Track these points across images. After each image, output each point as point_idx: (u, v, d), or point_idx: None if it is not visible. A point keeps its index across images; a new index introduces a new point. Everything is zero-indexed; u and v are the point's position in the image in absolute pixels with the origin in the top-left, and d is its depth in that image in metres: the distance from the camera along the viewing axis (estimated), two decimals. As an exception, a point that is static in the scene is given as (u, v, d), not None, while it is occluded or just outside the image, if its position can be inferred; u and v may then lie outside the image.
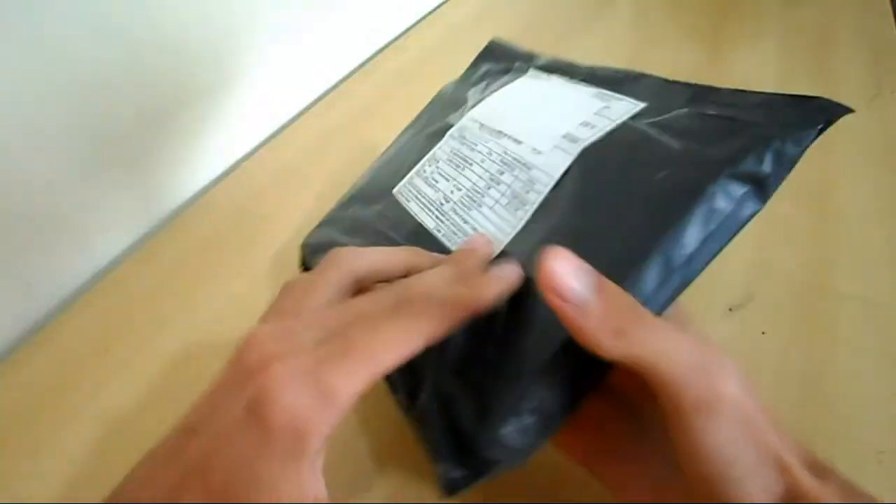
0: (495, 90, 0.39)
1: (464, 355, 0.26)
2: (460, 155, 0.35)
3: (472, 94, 0.40)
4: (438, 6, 0.79)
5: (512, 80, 0.39)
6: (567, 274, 0.21)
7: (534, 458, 0.31)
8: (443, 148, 0.36)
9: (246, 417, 0.19)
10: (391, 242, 0.33)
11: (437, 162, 0.36)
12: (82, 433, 0.35)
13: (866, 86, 0.61)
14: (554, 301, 0.21)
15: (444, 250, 0.31)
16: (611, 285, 0.22)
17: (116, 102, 0.42)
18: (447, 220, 0.32)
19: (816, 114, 0.25)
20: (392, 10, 0.73)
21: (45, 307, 0.42)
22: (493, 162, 0.33)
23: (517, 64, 0.41)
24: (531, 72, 0.39)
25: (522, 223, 0.29)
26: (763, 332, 0.37)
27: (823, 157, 0.52)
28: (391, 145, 0.43)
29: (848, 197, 0.48)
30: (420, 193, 0.35)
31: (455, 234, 0.31)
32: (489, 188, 0.32)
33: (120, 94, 0.42)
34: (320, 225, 0.40)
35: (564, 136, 0.31)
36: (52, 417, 0.36)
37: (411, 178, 0.36)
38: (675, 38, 0.72)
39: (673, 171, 0.26)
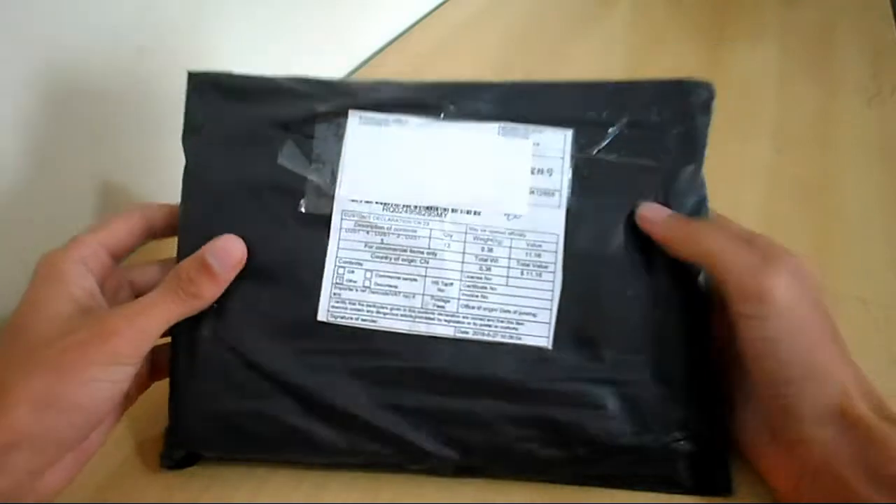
0: (332, 152, 0.31)
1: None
2: (397, 248, 0.30)
3: (291, 161, 0.31)
4: (438, 6, 0.79)
5: (339, 133, 0.31)
6: (652, 209, 0.30)
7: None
8: (346, 247, 0.30)
9: None
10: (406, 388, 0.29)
11: (360, 265, 0.30)
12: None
13: (866, 86, 0.61)
14: (647, 226, 0.30)
15: (481, 349, 0.30)
16: (681, 217, 0.30)
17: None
18: (467, 319, 0.30)
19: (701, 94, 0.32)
20: (392, 9, 0.73)
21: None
22: (465, 242, 0.30)
23: (318, 108, 0.32)
24: (358, 117, 0.32)
25: (559, 284, 0.30)
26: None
27: (823, 157, 0.52)
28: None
29: (848, 197, 0.48)
30: (374, 306, 0.30)
31: (488, 325, 0.30)
32: (487, 269, 0.30)
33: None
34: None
35: (532, 192, 0.31)
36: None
37: (334, 294, 0.30)
38: (675, 38, 0.72)
39: (668, 179, 0.31)
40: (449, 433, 0.29)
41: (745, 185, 0.49)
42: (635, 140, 0.31)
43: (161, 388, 0.31)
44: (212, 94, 0.33)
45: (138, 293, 0.31)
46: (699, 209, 0.31)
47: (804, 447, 0.26)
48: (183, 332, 0.30)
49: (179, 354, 0.30)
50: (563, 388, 0.29)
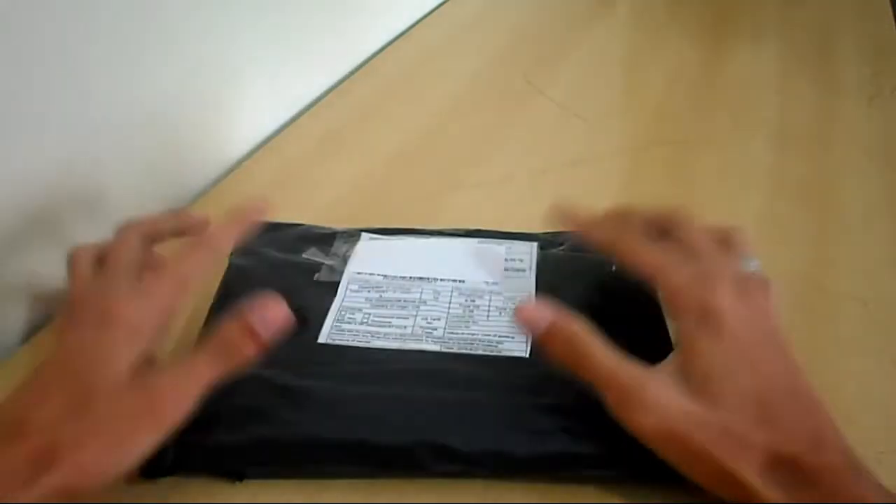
0: (346, 251, 0.41)
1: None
2: (393, 300, 0.37)
3: (312, 257, 0.41)
4: (439, 6, 0.79)
5: (352, 242, 0.41)
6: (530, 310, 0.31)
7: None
8: (350, 298, 0.37)
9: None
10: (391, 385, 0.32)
11: (360, 310, 0.37)
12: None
13: (866, 86, 0.61)
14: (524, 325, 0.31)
15: (465, 358, 0.34)
16: (562, 321, 0.30)
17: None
18: (453, 340, 0.35)
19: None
20: (392, 9, 0.73)
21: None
22: (452, 296, 0.38)
23: (338, 230, 0.42)
24: (368, 235, 0.42)
25: None
26: (763, 333, 0.37)
27: (823, 157, 0.52)
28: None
29: (848, 196, 0.48)
30: (370, 333, 0.35)
31: (471, 344, 0.35)
32: (471, 311, 0.37)
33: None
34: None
35: (507, 270, 0.39)
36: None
37: (335, 326, 0.36)
38: (675, 38, 0.72)
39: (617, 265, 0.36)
40: (449, 427, 0.30)
41: (745, 185, 0.49)
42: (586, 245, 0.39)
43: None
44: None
45: None
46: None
47: None
48: None
49: None
50: (546, 391, 0.31)
